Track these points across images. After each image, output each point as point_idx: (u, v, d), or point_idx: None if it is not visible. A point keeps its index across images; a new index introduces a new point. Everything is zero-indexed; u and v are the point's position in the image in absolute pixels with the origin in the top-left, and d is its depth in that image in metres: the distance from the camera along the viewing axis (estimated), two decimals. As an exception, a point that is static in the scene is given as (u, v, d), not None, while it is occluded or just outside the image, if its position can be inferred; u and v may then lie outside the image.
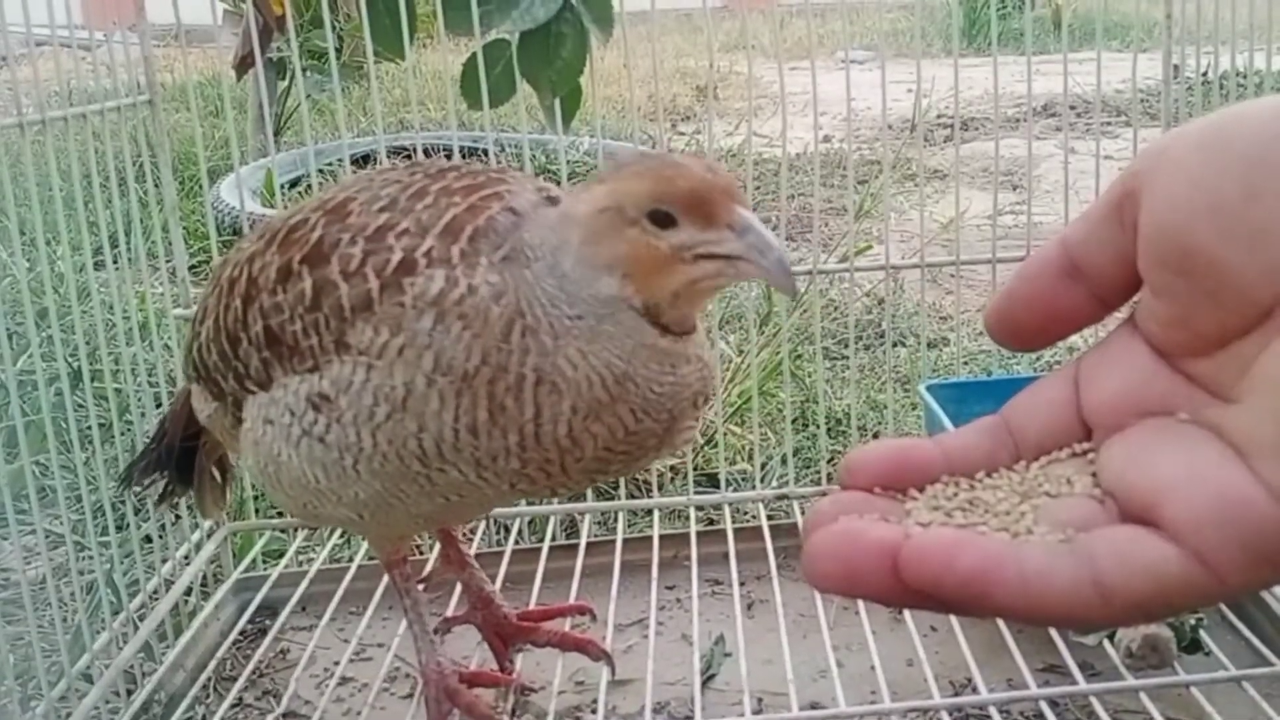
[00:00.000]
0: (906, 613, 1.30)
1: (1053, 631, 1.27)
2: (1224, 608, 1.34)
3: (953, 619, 1.27)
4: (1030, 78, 1.50)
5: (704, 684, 1.33)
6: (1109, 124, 4.55)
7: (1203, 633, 1.27)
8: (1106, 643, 1.27)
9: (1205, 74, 1.50)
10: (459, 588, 1.36)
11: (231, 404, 1.04)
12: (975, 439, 0.55)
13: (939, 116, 4.84)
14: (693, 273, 0.79)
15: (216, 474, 1.29)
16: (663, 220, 0.76)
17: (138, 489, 1.33)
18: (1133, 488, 0.47)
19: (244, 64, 1.85)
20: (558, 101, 1.44)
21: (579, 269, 0.83)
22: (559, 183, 1.54)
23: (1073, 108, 4.64)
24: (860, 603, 1.28)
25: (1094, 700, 1.22)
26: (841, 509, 0.53)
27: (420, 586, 1.27)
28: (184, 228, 1.49)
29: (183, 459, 1.27)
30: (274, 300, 0.95)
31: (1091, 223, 0.51)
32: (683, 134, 4.83)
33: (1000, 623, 1.25)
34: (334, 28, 1.41)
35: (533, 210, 0.90)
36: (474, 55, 1.41)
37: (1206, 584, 0.43)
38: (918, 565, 0.45)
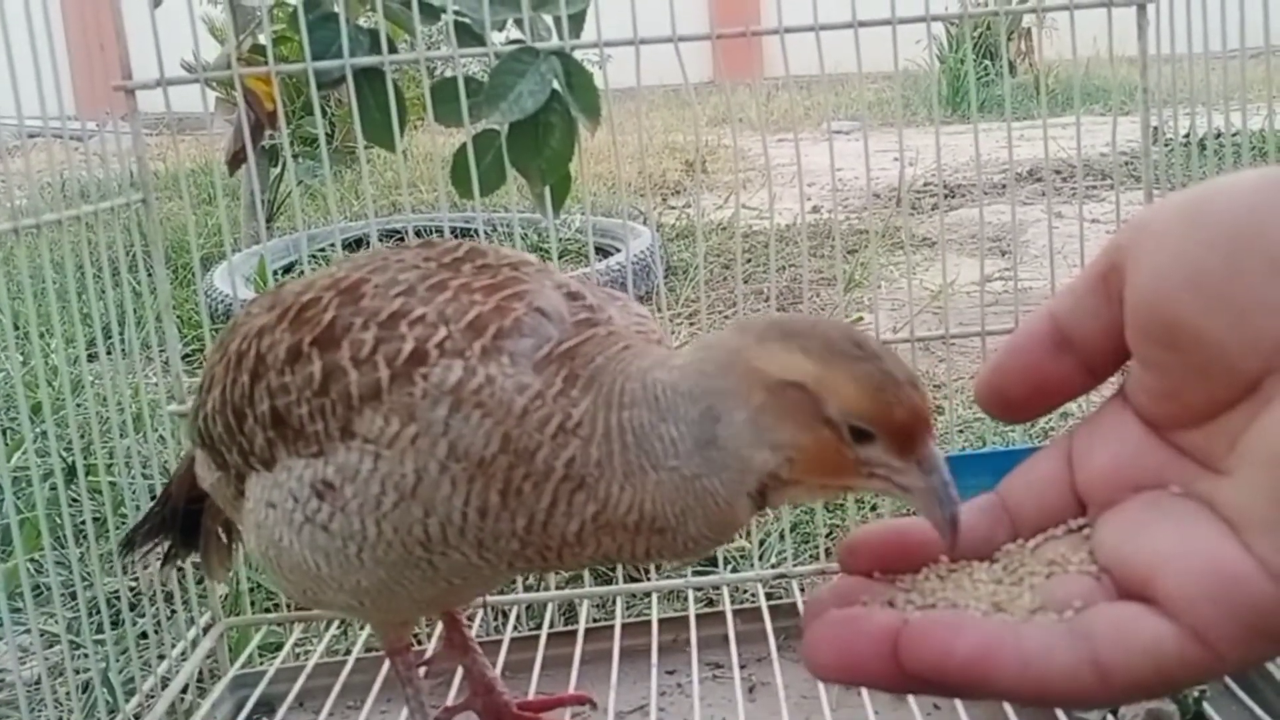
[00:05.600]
0: (908, 693, 1.28)
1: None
2: (1227, 678, 1.32)
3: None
4: (1012, 143, 1.52)
5: (707, 771, 1.31)
6: (1093, 187, 4.60)
7: (1206, 704, 1.25)
8: (1110, 718, 1.25)
9: (1186, 136, 1.51)
10: (458, 678, 1.34)
11: (234, 476, 1.03)
12: (973, 519, 0.56)
13: (925, 184, 4.89)
14: (860, 484, 0.73)
15: (222, 534, 1.27)
16: (860, 434, 0.72)
17: (141, 553, 1.31)
18: (1128, 564, 0.47)
19: (236, 160, 1.87)
20: (547, 189, 1.46)
21: (729, 429, 0.76)
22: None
23: (1056, 172, 4.69)
24: (862, 685, 1.25)
25: (1099, 776, 1.20)
26: (840, 596, 0.53)
27: (422, 671, 1.25)
28: (177, 316, 1.49)
29: (187, 521, 1.25)
30: (282, 381, 0.94)
31: (1078, 296, 0.52)
32: (673, 208, 4.87)
33: (1003, 700, 1.22)
34: (325, 114, 1.43)
35: (606, 326, 0.87)
36: (464, 146, 1.43)
37: (1204, 661, 0.43)
38: (917, 651, 0.45)
